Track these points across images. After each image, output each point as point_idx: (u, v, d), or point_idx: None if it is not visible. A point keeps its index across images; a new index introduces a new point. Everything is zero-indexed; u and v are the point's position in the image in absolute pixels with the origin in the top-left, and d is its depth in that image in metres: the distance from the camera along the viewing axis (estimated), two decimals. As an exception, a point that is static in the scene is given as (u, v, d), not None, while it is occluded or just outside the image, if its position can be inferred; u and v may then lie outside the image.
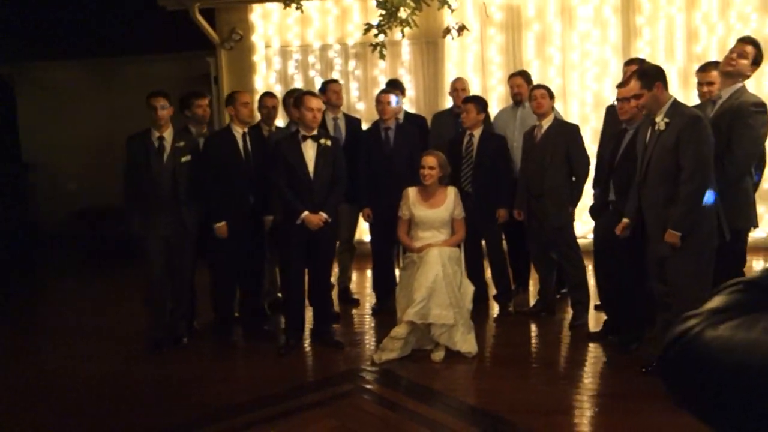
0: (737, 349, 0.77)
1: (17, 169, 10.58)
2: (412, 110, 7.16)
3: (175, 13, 7.93)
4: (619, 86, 4.73)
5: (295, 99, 5.14)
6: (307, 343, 5.26)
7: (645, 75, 4.00)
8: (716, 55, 6.71)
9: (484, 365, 4.76)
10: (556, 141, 5.23)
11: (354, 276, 6.58)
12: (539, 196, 5.28)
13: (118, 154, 8.28)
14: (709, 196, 3.84)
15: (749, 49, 4.14)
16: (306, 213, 4.91)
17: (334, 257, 5.54)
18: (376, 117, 5.97)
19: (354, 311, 6.09)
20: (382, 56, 5.59)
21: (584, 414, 4.05)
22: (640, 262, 4.32)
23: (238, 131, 5.21)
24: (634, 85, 4.02)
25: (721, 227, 3.96)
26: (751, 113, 4.04)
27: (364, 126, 6.30)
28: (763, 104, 4.13)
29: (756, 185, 4.45)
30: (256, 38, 8.07)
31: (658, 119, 3.99)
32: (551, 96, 5.31)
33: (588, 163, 5.20)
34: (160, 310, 5.25)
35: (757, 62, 4.18)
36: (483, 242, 5.75)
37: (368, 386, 4.47)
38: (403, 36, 5.66)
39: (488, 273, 5.91)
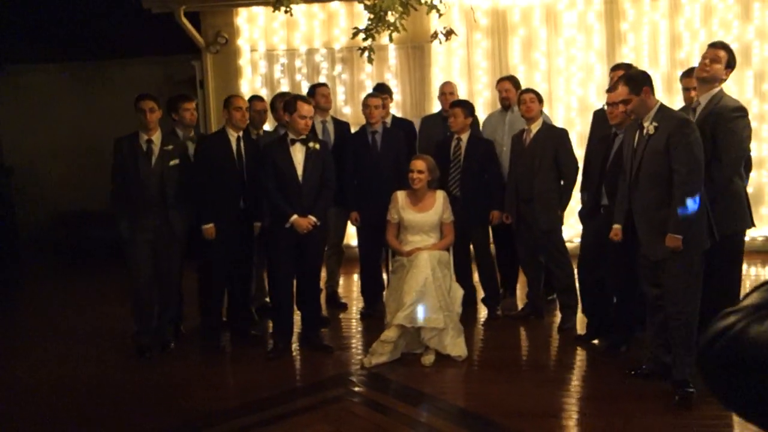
0: None
1: (-2, 173, 10.44)
2: (398, 114, 7.17)
3: (160, 16, 7.87)
4: (609, 91, 4.76)
5: (285, 103, 5.13)
6: (295, 347, 5.24)
7: (632, 80, 4.04)
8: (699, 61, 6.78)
9: (474, 369, 4.77)
10: (544, 145, 5.26)
11: (341, 280, 6.56)
12: (528, 200, 5.30)
13: (101, 157, 8.22)
14: (694, 202, 3.88)
15: (721, 53, 4.18)
16: (295, 216, 4.89)
17: (323, 261, 5.52)
18: (362, 121, 5.96)
19: (342, 315, 6.08)
20: (371, 60, 5.57)
21: (574, 416, 4.07)
22: (630, 264, 4.35)
23: (233, 135, 5.19)
24: (622, 90, 4.05)
25: (712, 229, 4.00)
26: (732, 118, 4.08)
27: (353, 130, 6.28)
28: (742, 108, 4.18)
29: (745, 188, 4.48)
30: (242, 42, 8.04)
31: (646, 123, 4.03)
32: (540, 100, 5.35)
33: (577, 168, 5.24)
34: (147, 314, 5.20)
35: (730, 65, 4.22)
36: (471, 246, 5.76)
37: (359, 390, 4.46)
38: (392, 40, 5.65)
39: (476, 276, 5.92)
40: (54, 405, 4.46)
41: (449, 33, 5.75)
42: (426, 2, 5.14)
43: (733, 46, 7.29)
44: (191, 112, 5.42)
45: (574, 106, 7.66)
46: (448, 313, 4.80)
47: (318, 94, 6.00)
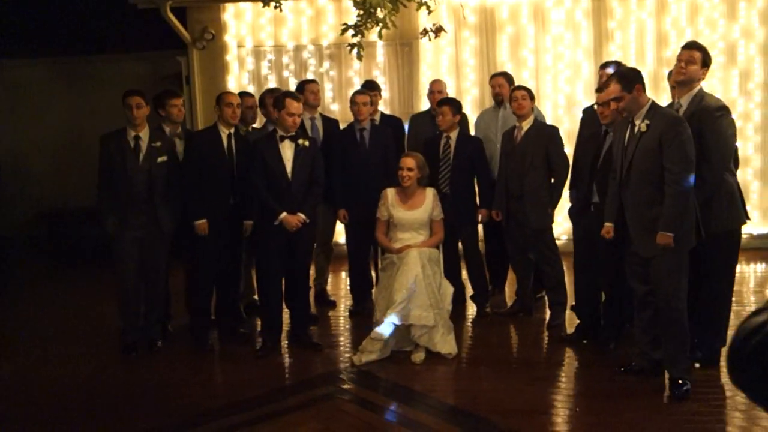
0: None
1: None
2: (386, 111, 7.15)
3: (146, 12, 7.80)
4: (598, 91, 4.76)
5: (275, 99, 5.09)
6: (284, 345, 5.21)
7: (625, 78, 4.05)
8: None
9: (464, 366, 4.76)
10: (535, 143, 5.26)
11: (330, 278, 6.53)
12: (519, 197, 5.30)
13: (87, 154, 8.12)
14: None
15: (696, 54, 4.18)
16: (284, 214, 4.86)
17: (312, 259, 5.49)
18: (351, 118, 5.94)
19: (330, 313, 6.06)
20: (360, 57, 5.56)
21: (564, 414, 4.07)
22: (620, 262, 4.37)
23: (224, 132, 5.14)
24: (614, 87, 4.05)
25: (699, 227, 4.02)
26: (715, 118, 4.08)
27: (342, 127, 6.25)
28: (724, 107, 4.19)
29: (737, 185, 4.49)
30: (229, 38, 7.98)
31: (637, 121, 4.03)
32: (532, 97, 5.34)
33: (568, 165, 5.23)
34: (134, 312, 5.15)
35: (706, 64, 4.23)
36: (459, 243, 5.75)
37: (348, 388, 4.44)
38: (381, 36, 5.63)
39: (464, 274, 5.92)
40: (40, 405, 4.40)
41: (438, 30, 5.74)
42: (416, -1, 5.13)
43: (719, 45, 7.49)
44: (179, 108, 5.36)
45: (561, 104, 7.69)
46: (438, 311, 4.80)
47: (307, 90, 5.96)
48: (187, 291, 5.61)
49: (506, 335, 5.39)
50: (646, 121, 3.99)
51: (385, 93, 7.59)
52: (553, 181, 5.31)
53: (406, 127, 6.47)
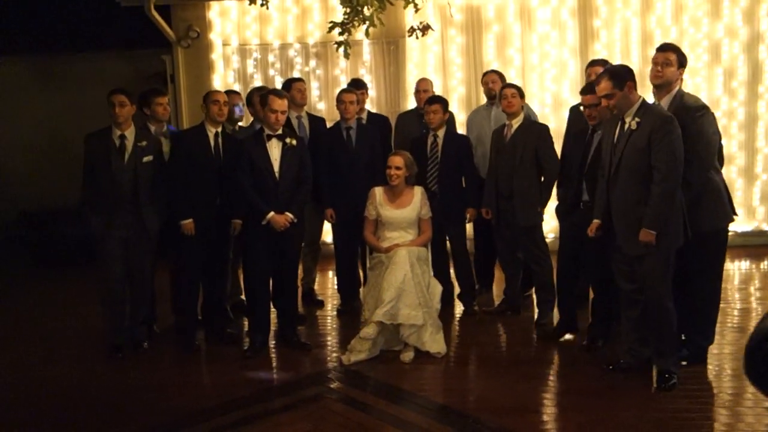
0: None
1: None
2: (373, 110, 7.13)
3: (130, 10, 7.73)
4: (583, 92, 4.75)
5: (261, 97, 5.05)
6: (272, 345, 5.17)
7: (616, 75, 4.05)
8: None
9: (453, 365, 4.76)
10: (525, 141, 5.25)
11: (317, 277, 6.50)
12: (508, 196, 5.30)
13: (68, 154, 8.02)
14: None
15: (672, 56, 4.18)
16: (272, 214, 4.83)
17: (299, 258, 5.46)
18: (337, 116, 5.90)
19: (318, 312, 6.03)
20: (347, 55, 5.53)
21: (554, 411, 4.08)
22: (607, 260, 4.38)
23: (211, 130, 5.10)
24: (606, 85, 4.05)
25: (686, 226, 4.04)
26: (695, 118, 4.09)
27: (328, 126, 6.22)
28: (704, 106, 4.19)
29: (723, 183, 4.50)
30: (214, 36, 7.92)
31: (628, 119, 4.04)
32: (521, 95, 5.34)
33: (558, 164, 5.23)
34: (119, 313, 5.09)
35: (682, 65, 4.24)
36: (448, 242, 5.75)
37: (337, 388, 4.41)
38: (368, 35, 5.61)
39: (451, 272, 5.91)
40: (23, 408, 4.34)
41: (426, 28, 5.74)
42: (404, -4, 5.11)
43: (703, 44, 7.54)
44: (164, 107, 5.31)
45: (548, 102, 7.70)
46: (427, 310, 4.79)
47: (293, 89, 5.92)
48: (172, 291, 5.56)
49: (495, 334, 5.39)
50: (637, 119, 3.99)
51: (371, 91, 7.57)
52: (543, 179, 5.30)
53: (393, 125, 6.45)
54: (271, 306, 5.21)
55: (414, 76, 7.42)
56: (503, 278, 5.75)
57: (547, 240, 5.62)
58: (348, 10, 5.45)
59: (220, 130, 5.13)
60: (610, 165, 4.13)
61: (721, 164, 4.52)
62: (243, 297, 5.77)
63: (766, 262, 7.22)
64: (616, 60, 7.32)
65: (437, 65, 7.82)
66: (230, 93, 5.79)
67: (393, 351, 4.83)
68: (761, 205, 7.81)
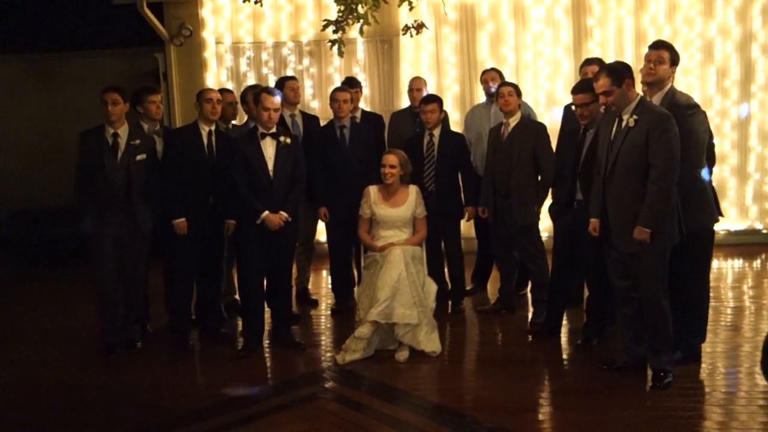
0: None
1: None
2: (367, 109, 7.11)
3: (122, 7, 7.69)
4: (574, 92, 4.72)
5: (254, 95, 5.02)
6: (266, 345, 5.15)
7: (615, 72, 4.04)
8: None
9: (448, 364, 4.75)
10: (522, 139, 5.24)
11: (311, 276, 6.47)
12: (506, 195, 5.28)
13: (61, 152, 7.98)
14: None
15: (664, 54, 4.19)
16: (266, 213, 4.80)
17: (294, 257, 5.44)
18: (331, 115, 5.88)
19: (312, 312, 6.01)
20: (341, 53, 5.51)
21: (549, 410, 4.08)
22: (602, 258, 4.38)
23: (205, 129, 5.07)
24: (604, 81, 4.05)
25: (681, 225, 4.04)
26: (686, 116, 4.08)
27: (322, 124, 6.20)
28: (695, 104, 4.20)
29: (709, 183, 4.51)
30: (207, 34, 7.87)
31: (625, 116, 4.04)
32: (519, 94, 5.33)
33: (554, 163, 5.21)
34: (112, 313, 5.06)
35: (675, 63, 4.24)
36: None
37: (332, 388, 4.40)
38: (362, 33, 5.59)
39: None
40: (16, 407, 4.31)
41: (420, 26, 5.73)
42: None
43: (696, 43, 7.55)
44: (157, 105, 5.27)
45: (541, 101, 7.70)
46: (422, 309, 4.77)
47: (287, 87, 5.90)
48: (166, 291, 5.53)
49: (490, 333, 5.38)
50: (634, 117, 3.99)
51: (365, 90, 7.56)
52: (540, 178, 5.29)
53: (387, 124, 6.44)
54: (265, 305, 5.19)
55: (408, 75, 7.40)
56: (498, 277, 5.75)
57: (543, 239, 5.61)
58: (342, 8, 5.43)
59: (213, 128, 5.11)
60: (606, 162, 4.12)
61: (712, 164, 4.52)
62: (237, 297, 5.75)
63: (758, 261, 7.24)
64: (609, 58, 7.32)
65: (431, 63, 7.81)
66: (223, 91, 5.76)
67: (388, 350, 4.82)
68: (754, 204, 7.84)
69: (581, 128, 4.73)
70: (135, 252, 5.00)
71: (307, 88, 7.87)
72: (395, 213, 5.11)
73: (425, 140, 5.62)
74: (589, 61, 5.44)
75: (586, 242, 4.50)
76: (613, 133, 4.11)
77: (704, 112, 4.29)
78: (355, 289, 5.94)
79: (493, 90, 5.77)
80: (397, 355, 4.74)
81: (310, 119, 6.18)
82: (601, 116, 4.49)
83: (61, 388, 4.57)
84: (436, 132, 5.59)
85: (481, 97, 7.38)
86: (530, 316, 5.47)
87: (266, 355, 5.04)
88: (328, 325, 5.70)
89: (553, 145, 5.28)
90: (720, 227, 7.71)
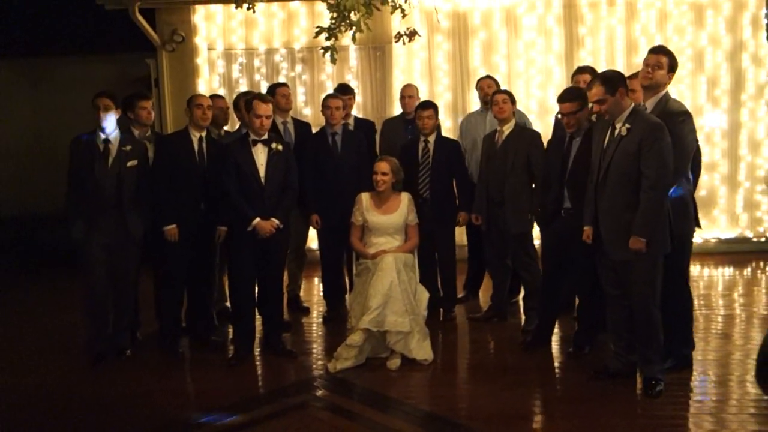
0: None
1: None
2: (359, 115, 7.11)
3: (114, 13, 7.66)
4: (560, 100, 4.72)
5: (246, 102, 5.01)
6: (257, 353, 5.12)
7: (609, 81, 4.06)
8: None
9: (440, 372, 4.73)
10: (516, 147, 5.24)
11: (303, 283, 6.45)
12: (499, 202, 5.28)
13: (51, 158, 7.93)
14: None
15: (663, 59, 4.22)
16: (257, 220, 4.78)
17: (285, 265, 5.41)
18: (323, 122, 5.88)
19: (304, 319, 5.98)
20: (333, 60, 5.50)
21: (541, 418, 4.07)
22: (593, 266, 4.38)
23: (195, 135, 5.05)
24: (598, 90, 4.06)
25: (671, 233, 4.06)
26: (676, 123, 4.10)
27: (314, 131, 6.19)
28: (686, 112, 4.22)
29: (692, 192, 4.51)
30: (199, 40, 7.86)
31: (618, 125, 4.05)
32: (513, 101, 5.34)
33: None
34: (102, 320, 5.02)
35: (672, 69, 4.27)
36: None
37: (323, 396, 4.37)
38: (354, 40, 5.59)
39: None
40: (6, 416, 4.25)
41: (413, 34, 5.72)
42: (391, 2, 5.09)
43: (687, 52, 7.60)
44: (148, 111, 5.25)
45: (533, 109, 7.72)
46: (414, 317, 4.76)
47: (278, 94, 5.89)
48: (156, 297, 5.49)
49: (481, 341, 5.37)
50: (627, 125, 4.01)
51: (358, 97, 7.55)
52: (534, 186, 5.28)
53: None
54: (257, 313, 5.16)
55: (400, 82, 7.41)
56: (490, 285, 5.74)
57: (536, 246, 5.61)
58: (335, 16, 5.42)
59: (204, 134, 5.09)
60: (598, 170, 4.13)
61: (698, 174, 4.53)
62: (228, 304, 5.71)
63: (749, 269, 7.27)
64: (601, 67, 7.36)
65: (424, 71, 7.82)
66: (214, 97, 5.74)
67: (379, 358, 4.80)
68: (744, 212, 7.87)
69: (567, 136, 4.73)
70: (125, 258, 4.97)
71: (300, 95, 7.87)
72: (387, 220, 5.10)
73: (420, 146, 5.62)
74: (580, 70, 5.47)
75: (576, 250, 4.50)
76: (606, 141, 4.12)
77: (693, 122, 4.31)
78: (347, 296, 5.92)
79: (489, 98, 5.77)
80: (389, 363, 4.72)
81: (302, 126, 6.17)
82: (587, 124, 4.51)
83: (50, 396, 4.52)
84: (432, 138, 5.60)
85: (473, 105, 7.42)
86: (522, 323, 5.47)
87: (257, 362, 5.01)
88: (320, 333, 5.67)
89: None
90: (710, 235, 7.79)
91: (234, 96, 6.47)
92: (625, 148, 3.98)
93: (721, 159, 7.80)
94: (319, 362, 4.92)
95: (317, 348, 5.30)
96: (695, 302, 5.20)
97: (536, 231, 5.60)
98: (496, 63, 7.76)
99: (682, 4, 7.62)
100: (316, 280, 6.85)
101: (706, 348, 4.89)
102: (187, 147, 5.00)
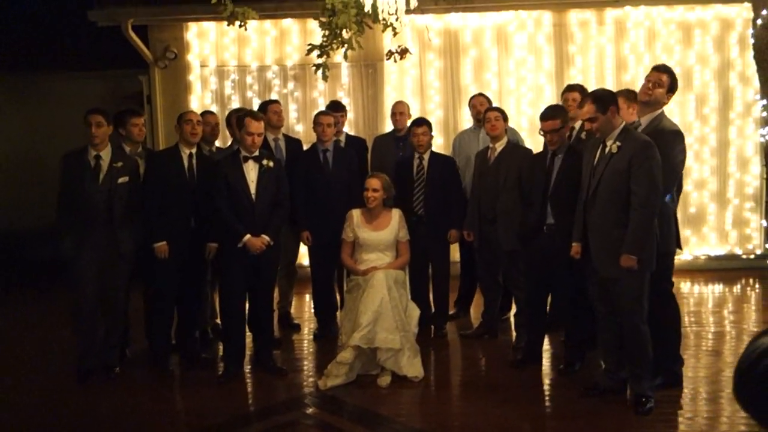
0: None
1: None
2: (351, 132, 7.13)
3: (107, 29, 7.68)
4: (542, 118, 4.74)
5: (238, 119, 5.02)
6: (247, 370, 5.09)
7: (600, 99, 4.10)
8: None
9: (431, 389, 4.73)
10: (509, 164, 5.26)
11: (293, 300, 6.43)
12: (491, 219, 5.29)
13: (42, 174, 7.90)
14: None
15: (664, 78, 4.27)
16: (248, 236, 4.78)
17: (275, 281, 5.40)
18: (314, 139, 5.89)
19: (294, 336, 5.96)
20: (325, 77, 5.54)
21: (532, 436, 4.06)
22: (582, 283, 4.39)
23: (185, 152, 5.05)
24: (589, 108, 4.10)
25: (658, 250, 4.08)
26: (668, 142, 4.15)
27: (306, 148, 6.21)
28: (679, 132, 4.28)
29: (674, 209, 4.53)
30: (192, 57, 7.89)
31: (609, 142, 4.09)
32: (505, 118, 5.37)
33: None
34: (91, 337, 4.98)
35: (672, 90, 4.32)
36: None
37: (314, 413, 4.35)
38: (346, 58, 5.63)
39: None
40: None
41: (404, 51, 5.78)
42: (383, 20, 5.13)
43: (676, 71, 7.60)
44: (139, 128, 5.25)
45: (524, 127, 7.75)
46: (405, 334, 4.75)
47: (270, 111, 5.91)
48: (146, 315, 5.46)
49: (472, 358, 5.36)
50: (618, 143, 4.04)
51: (349, 114, 7.58)
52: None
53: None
54: (247, 330, 5.14)
55: (392, 99, 7.44)
56: (481, 301, 5.74)
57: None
58: (327, 33, 5.47)
59: (194, 151, 5.09)
60: (588, 187, 4.16)
61: (679, 193, 4.55)
62: (218, 321, 5.69)
63: (738, 286, 7.30)
64: (591, 85, 7.42)
65: (415, 88, 7.87)
66: (205, 113, 5.76)
67: (370, 375, 4.78)
68: (733, 230, 7.92)
69: (549, 153, 4.75)
70: (115, 275, 4.94)
71: (292, 112, 7.89)
72: (378, 236, 5.11)
73: (415, 163, 5.63)
74: (570, 88, 5.51)
75: (560, 266, 4.51)
76: (596, 158, 4.16)
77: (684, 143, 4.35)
78: (338, 313, 5.90)
79: (482, 115, 5.80)
80: (380, 381, 4.70)
81: (293, 143, 6.19)
82: (567, 141, 4.54)
83: (36, 413, 4.49)
84: (426, 155, 5.62)
85: (464, 122, 7.45)
86: (513, 340, 5.46)
87: (247, 380, 4.98)
88: (311, 350, 5.65)
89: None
90: (700, 252, 7.83)
91: (226, 112, 6.47)
92: (616, 165, 4.01)
93: (710, 176, 7.86)
94: (310, 379, 4.90)
95: (308, 365, 5.28)
96: (685, 319, 5.23)
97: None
98: (487, 80, 7.81)
99: (670, 24, 7.71)
100: (307, 296, 6.83)
101: (696, 365, 4.90)
102: (177, 163, 5.00)
